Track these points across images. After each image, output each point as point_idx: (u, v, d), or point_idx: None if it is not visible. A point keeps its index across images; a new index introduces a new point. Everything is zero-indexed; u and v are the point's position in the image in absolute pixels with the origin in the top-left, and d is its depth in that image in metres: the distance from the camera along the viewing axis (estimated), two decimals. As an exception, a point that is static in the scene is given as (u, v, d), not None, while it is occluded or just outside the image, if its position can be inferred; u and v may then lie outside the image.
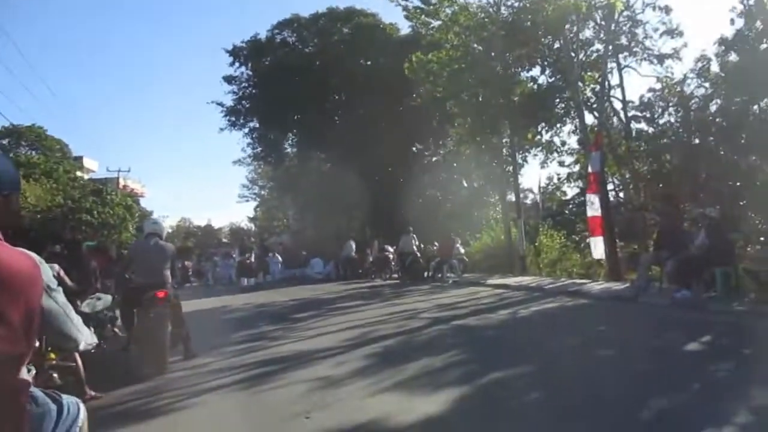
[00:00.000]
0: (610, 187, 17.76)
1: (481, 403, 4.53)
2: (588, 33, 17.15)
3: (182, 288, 20.92)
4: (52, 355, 4.54)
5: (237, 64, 30.74)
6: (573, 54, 15.97)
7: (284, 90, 26.71)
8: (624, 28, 16.52)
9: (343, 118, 29.39)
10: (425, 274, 18.48)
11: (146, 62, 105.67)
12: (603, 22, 15.81)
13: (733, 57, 14.49)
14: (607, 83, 16.93)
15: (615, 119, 18.54)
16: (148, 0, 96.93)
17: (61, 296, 1.83)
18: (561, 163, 20.35)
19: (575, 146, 19.16)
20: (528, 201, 28.72)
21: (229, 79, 30.99)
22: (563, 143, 19.57)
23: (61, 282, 6.17)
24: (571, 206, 25.83)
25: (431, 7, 18.17)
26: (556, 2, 14.61)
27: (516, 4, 17.06)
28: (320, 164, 31.91)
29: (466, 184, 28.63)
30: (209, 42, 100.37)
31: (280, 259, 25.10)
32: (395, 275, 20.06)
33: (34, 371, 1.86)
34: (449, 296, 12.66)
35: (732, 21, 14.22)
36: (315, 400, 4.74)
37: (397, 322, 8.91)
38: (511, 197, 19.62)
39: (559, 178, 21.80)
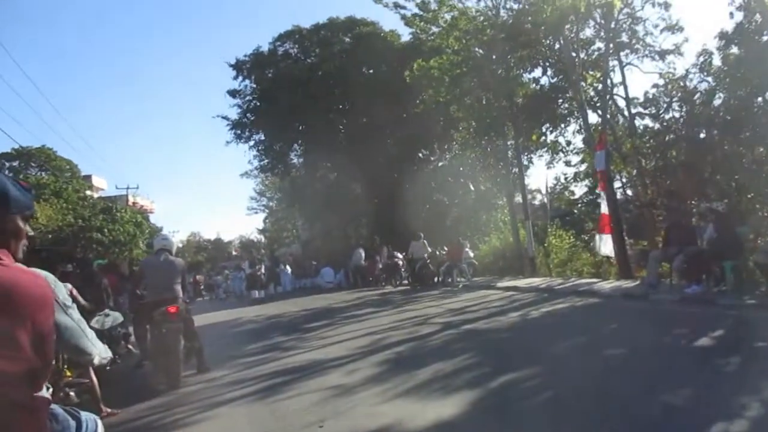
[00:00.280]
0: (617, 184, 17.72)
1: (493, 407, 4.55)
2: (588, 32, 17.17)
3: (194, 302, 21.06)
4: (68, 373, 4.61)
5: (240, 78, 30.91)
6: (574, 54, 15.98)
7: (288, 101, 26.83)
8: (624, 25, 16.48)
9: (347, 127, 29.48)
10: (435, 279, 18.47)
11: (151, 79, 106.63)
12: (603, 21, 15.81)
13: (734, 50, 14.45)
14: (609, 81, 16.92)
15: (619, 117, 18.52)
16: (152, 18, 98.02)
17: (76, 312, 1.88)
18: (567, 163, 20.31)
19: (581, 145, 19.15)
20: (536, 202, 28.70)
21: (233, 93, 31.16)
22: (568, 143, 19.56)
23: (74, 301, 6.26)
24: (579, 205, 25.80)
25: (430, 13, 18.27)
26: (555, 3, 14.65)
27: (515, 7, 17.12)
28: (327, 173, 32.00)
29: (473, 188, 28.59)
30: (213, 56, 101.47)
31: (289, 270, 25.18)
32: (405, 281, 20.06)
33: (51, 389, 1.91)
34: (460, 300, 12.66)
35: (731, 14, 14.20)
36: (328, 408, 4.78)
37: (409, 329, 8.94)
38: (519, 199, 19.62)
39: (566, 178, 21.76)
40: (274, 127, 29.24)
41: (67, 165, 42.09)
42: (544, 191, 23.20)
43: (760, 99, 13.87)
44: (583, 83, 16.43)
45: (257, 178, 42.06)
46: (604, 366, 5.54)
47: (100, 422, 2.06)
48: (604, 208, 14.00)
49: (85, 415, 1.97)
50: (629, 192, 18.95)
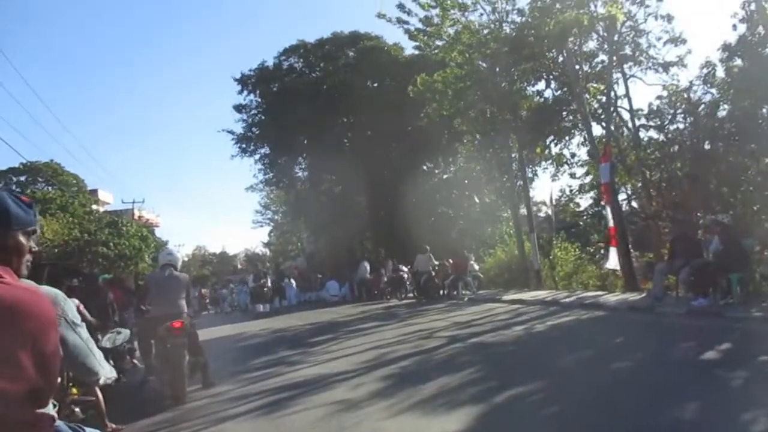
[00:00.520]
0: (622, 197, 17.69)
1: (499, 422, 4.52)
2: (592, 45, 17.24)
3: (199, 316, 21.04)
4: (74, 390, 4.61)
5: (246, 92, 31.15)
6: (577, 66, 16.02)
7: (293, 115, 26.96)
8: (627, 38, 16.52)
9: (352, 141, 29.61)
10: (440, 292, 18.43)
11: (156, 93, 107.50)
12: (606, 34, 15.86)
13: (738, 62, 14.47)
14: (613, 93, 16.96)
15: (624, 129, 18.51)
16: (157, 32, 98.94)
17: (84, 331, 1.89)
18: (572, 175, 20.29)
19: (585, 157, 19.13)
20: (541, 214, 28.62)
21: (238, 108, 31.39)
22: (573, 155, 19.55)
23: (81, 317, 6.28)
24: (585, 217, 25.72)
25: (433, 27, 18.38)
26: (558, 16, 14.72)
27: (518, 20, 17.20)
28: (332, 186, 32.08)
29: (477, 200, 28.60)
30: (218, 70, 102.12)
31: (294, 283, 25.14)
32: (411, 295, 20.01)
33: (57, 406, 1.91)
34: (465, 314, 12.62)
35: (734, 27, 14.25)
36: (333, 424, 4.77)
37: (414, 342, 8.90)
38: (523, 211, 19.60)
39: (571, 190, 21.72)
40: (279, 141, 29.39)
41: (73, 180, 42.34)
42: (548, 203, 23.09)
43: (764, 110, 13.88)
44: (586, 96, 16.46)
45: (262, 191, 42.23)
46: (611, 380, 5.51)
47: (104, 438, 2.06)
48: (611, 222, 14.01)
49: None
50: (634, 204, 18.90)
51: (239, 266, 62.07)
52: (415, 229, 23.85)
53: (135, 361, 9.19)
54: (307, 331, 12.93)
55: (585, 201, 23.13)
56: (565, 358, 6.79)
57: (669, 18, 15.82)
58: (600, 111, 17.32)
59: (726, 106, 15.08)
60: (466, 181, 28.24)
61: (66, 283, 6.92)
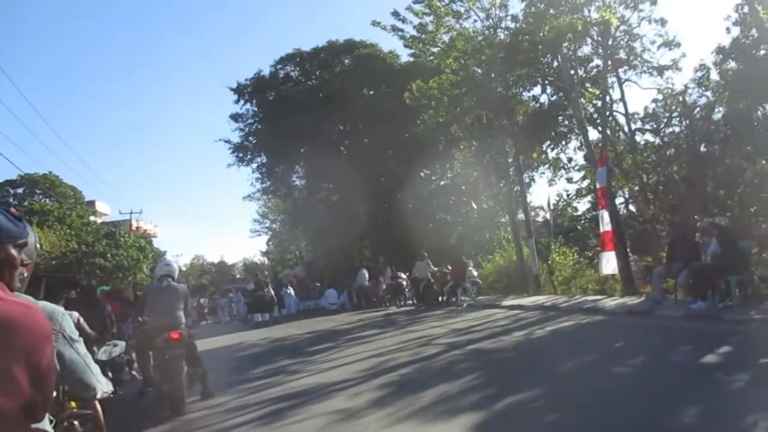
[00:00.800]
0: (620, 200, 17.70)
1: (500, 428, 4.52)
2: (586, 49, 17.26)
3: (198, 326, 20.96)
4: (72, 404, 4.59)
5: (242, 102, 31.19)
6: (572, 71, 16.07)
7: (290, 124, 26.96)
8: (621, 42, 16.56)
9: (349, 148, 29.62)
10: (439, 298, 18.40)
11: (153, 105, 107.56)
12: (600, 39, 15.91)
13: (732, 65, 14.53)
14: (608, 98, 16.99)
15: (620, 133, 18.55)
16: (153, 42, 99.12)
17: (82, 347, 1.89)
18: (569, 180, 20.31)
19: (582, 162, 19.16)
20: (539, 219, 28.64)
21: (235, 117, 31.43)
22: (569, 160, 19.58)
23: (80, 330, 6.26)
24: (583, 221, 25.74)
25: (428, 35, 18.46)
26: (552, 22, 14.78)
27: (512, 26, 17.27)
28: (329, 194, 32.06)
29: (475, 206, 28.62)
30: (215, 81, 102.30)
31: (293, 292, 25.07)
32: (410, 302, 19.98)
33: (54, 422, 1.90)
34: (464, 320, 12.60)
35: (728, 30, 14.30)
36: (333, 433, 4.75)
37: (413, 350, 8.89)
38: (521, 216, 19.62)
39: (568, 195, 21.72)
40: (276, 150, 29.40)
41: (71, 191, 42.33)
42: (546, 208, 23.11)
43: (759, 112, 13.92)
44: (582, 100, 16.50)
45: (260, 200, 42.18)
46: (611, 384, 5.49)
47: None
48: (603, 227, 14.02)
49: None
50: (632, 208, 18.93)
51: (237, 275, 61.98)
52: (413, 236, 23.86)
53: (134, 372, 9.16)
54: (306, 339, 12.90)
55: (583, 205, 23.17)
56: (565, 364, 6.78)
57: (663, 22, 15.86)
58: (596, 115, 17.36)
59: (721, 109, 15.14)
60: (463, 187, 28.26)
61: (64, 295, 6.90)
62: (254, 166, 31.91)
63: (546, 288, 17.49)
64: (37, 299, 1.75)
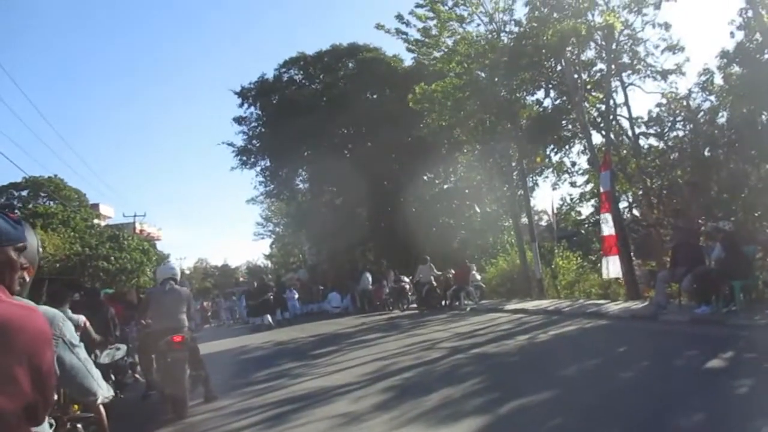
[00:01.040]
0: (623, 204, 17.65)
1: (502, 433, 4.50)
2: (590, 53, 17.23)
3: (201, 329, 20.97)
4: (75, 407, 4.59)
5: (246, 105, 31.24)
6: (576, 75, 16.05)
7: (293, 127, 26.98)
8: (625, 46, 16.54)
9: (352, 152, 29.63)
10: (443, 302, 18.38)
11: (157, 108, 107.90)
12: (604, 43, 15.88)
13: (736, 69, 14.50)
14: (612, 102, 16.96)
15: (623, 137, 18.51)
16: (157, 48, 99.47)
17: (82, 352, 1.89)
18: (573, 184, 20.26)
19: (586, 166, 19.12)
20: (543, 223, 28.60)
21: (238, 120, 31.48)
22: (573, 164, 19.55)
23: (86, 334, 6.28)
24: (586, 225, 25.69)
25: (431, 39, 18.47)
26: (556, 26, 14.77)
27: (515, 30, 17.26)
28: (333, 198, 32.07)
29: (478, 210, 28.60)
30: (219, 84, 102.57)
31: (296, 295, 25.05)
32: (413, 305, 19.96)
33: (54, 425, 1.91)
34: (467, 324, 12.58)
35: (732, 34, 14.28)
36: (336, 437, 4.74)
37: (416, 354, 8.88)
38: (525, 220, 19.59)
39: (571, 199, 21.68)
40: (279, 153, 29.41)
41: (75, 194, 42.44)
42: (550, 212, 23.07)
43: (764, 116, 13.88)
44: (586, 104, 16.47)
45: (263, 203, 42.21)
46: (614, 389, 5.48)
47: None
48: (606, 231, 13.99)
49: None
50: (636, 212, 18.87)
51: (241, 279, 62.03)
52: (416, 240, 23.85)
53: (137, 375, 9.17)
54: (309, 343, 12.90)
55: (586, 209, 23.11)
56: (569, 368, 6.76)
57: (666, 26, 15.84)
58: (599, 119, 17.33)
59: (725, 113, 15.09)
60: (466, 191, 28.25)
61: (70, 298, 6.90)
62: (258, 169, 31.97)
63: (549, 292, 17.45)
64: (39, 303, 1.75)
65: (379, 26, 19.72)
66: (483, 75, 18.24)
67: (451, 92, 18.13)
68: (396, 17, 18.90)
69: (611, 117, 16.89)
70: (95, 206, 45.54)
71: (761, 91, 12.77)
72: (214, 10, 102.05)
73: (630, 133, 17.77)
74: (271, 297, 20.26)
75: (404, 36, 19.14)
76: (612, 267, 13.79)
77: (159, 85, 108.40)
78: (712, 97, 15.70)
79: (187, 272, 58.97)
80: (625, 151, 17.76)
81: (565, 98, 17.53)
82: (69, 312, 6.11)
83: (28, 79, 79.20)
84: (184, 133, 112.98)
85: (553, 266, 18.75)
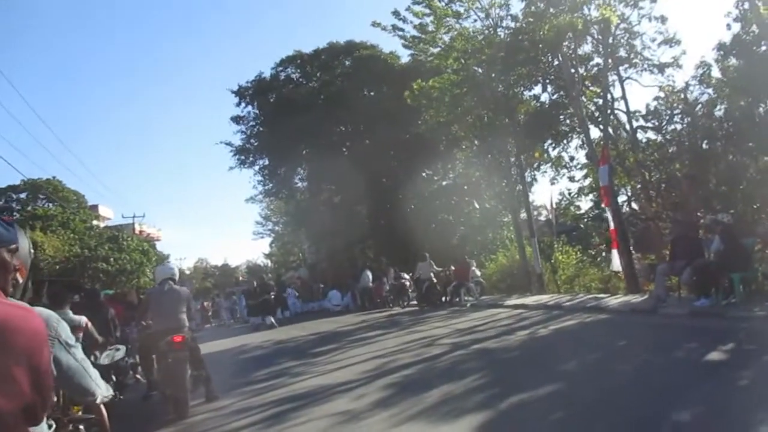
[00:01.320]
0: (622, 198, 17.66)
1: (505, 428, 4.50)
2: (587, 48, 17.20)
3: (202, 329, 20.96)
4: (76, 408, 4.59)
5: (243, 104, 31.24)
6: (573, 70, 16.03)
7: (291, 125, 26.95)
8: (622, 40, 16.54)
9: (350, 149, 29.63)
10: (443, 299, 18.38)
11: (154, 108, 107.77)
12: (600, 37, 15.86)
13: (733, 61, 14.50)
14: (609, 96, 16.96)
15: (621, 131, 18.51)
16: (154, 49, 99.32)
17: (79, 352, 1.89)
18: (571, 179, 20.26)
19: (584, 160, 19.12)
20: (542, 218, 28.61)
21: (236, 120, 31.46)
22: (571, 158, 19.56)
23: (89, 335, 6.28)
24: (585, 220, 25.69)
25: (428, 35, 18.45)
26: (552, 21, 14.75)
27: (512, 25, 17.25)
28: (331, 196, 32.06)
29: (477, 206, 28.61)
30: (216, 83, 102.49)
31: (296, 293, 25.05)
32: (413, 302, 19.96)
33: (53, 426, 1.90)
34: (468, 320, 12.58)
35: (728, 26, 14.27)
36: (336, 435, 4.74)
37: (417, 350, 8.88)
38: (524, 215, 19.60)
39: (570, 194, 21.67)
40: (277, 152, 29.41)
41: (74, 196, 42.41)
42: (549, 207, 23.07)
43: (761, 108, 13.88)
44: (583, 98, 16.48)
45: (262, 202, 42.22)
46: (615, 383, 5.48)
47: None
48: (612, 224, 14.03)
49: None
50: (634, 206, 18.88)
51: (241, 278, 62.05)
52: (416, 237, 23.86)
53: (138, 376, 9.17)
54: (309, 341, 12.90)
55: (585, 204, 23.12)
56: (570, 362, 6.76)
57: (663, 19, 15.84)
58: (597, 113, 17.33)
59: (723, 106, 15.09)
60: (465, 187, 28.24)
61: (70, 300, 6.90)
62: (256, 168, 31.98)
63: (549, 287, 17.46)
64: (38, 305, 1.75)
65: (375, 24, 19.73)
66: (480, 71, 18.22)
67: (448, 88, 18.12)
68: (393, 13, 18.88)
69: (609, 111, 16.88)
70: (94, 207, 45.53)
71: (759, 83, 12.77)
72: (213, 10, 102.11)
73: (628, 126, 17.80)
74: (272, 296, 20.21)
75: (401, 33, 19.12)
76: (614, 260, 13.88)
77: (158, 85, 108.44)
78: (710, 90, 15.71)
79: (187, 272, 59.08)
80: (623, 145, 17.76)
81: (562, 93, 17.52)
82: (70, 313, 6.11)
83: (26, 80, 79.31)
84: (183, 133, 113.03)
85: (552, 261, 18.75)
